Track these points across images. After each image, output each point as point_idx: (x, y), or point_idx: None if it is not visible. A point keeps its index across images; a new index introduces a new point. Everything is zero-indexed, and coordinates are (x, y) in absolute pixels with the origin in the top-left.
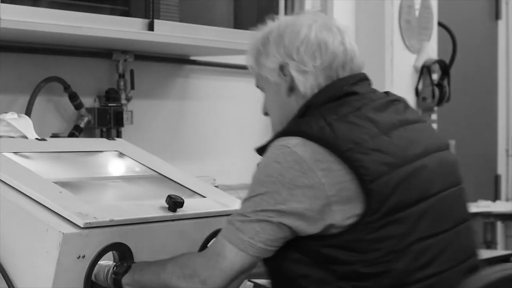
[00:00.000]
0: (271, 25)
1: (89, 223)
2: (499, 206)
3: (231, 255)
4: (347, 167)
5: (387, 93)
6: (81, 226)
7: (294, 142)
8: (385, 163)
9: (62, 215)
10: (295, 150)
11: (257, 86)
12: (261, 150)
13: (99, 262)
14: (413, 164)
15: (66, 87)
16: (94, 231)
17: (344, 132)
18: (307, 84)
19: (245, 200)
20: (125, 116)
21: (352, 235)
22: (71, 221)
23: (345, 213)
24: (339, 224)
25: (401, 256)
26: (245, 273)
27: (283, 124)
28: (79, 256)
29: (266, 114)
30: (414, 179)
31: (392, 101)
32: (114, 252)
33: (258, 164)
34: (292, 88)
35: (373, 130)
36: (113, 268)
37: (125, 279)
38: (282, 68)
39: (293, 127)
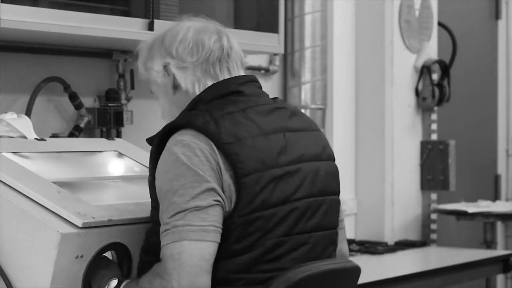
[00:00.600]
0: (156, 33)
1: (87, 223)
2: (499, 206)
3: (188, 249)
4: (226, 159)
5: (274, 99)
6: (79, 226)
7: (187, 136)
8: (260, 162)
9: (61, 215)
10: (192, 141)
11: (151, 92)
12: (151, 140)
13: (99, 270)
14: (285, 168)
15: (66, 87)
16: (92, 231)
17: (227, 128)
18: (187, 79)
19: (170, 203)
20: (125, 116)
21: (225, 226)
22: (70, 221)
23: (226, 204)
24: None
25: (256, 248)
26: (209, 261)
27: None
28: (77, 256)
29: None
30: (283, 181)
31: (278, 108)
32: (112, 251)
33: (157, 164)
34: (176, 86)
35: (255, 130)
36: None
37: None
38: (166, 68)
39: (182, 120)
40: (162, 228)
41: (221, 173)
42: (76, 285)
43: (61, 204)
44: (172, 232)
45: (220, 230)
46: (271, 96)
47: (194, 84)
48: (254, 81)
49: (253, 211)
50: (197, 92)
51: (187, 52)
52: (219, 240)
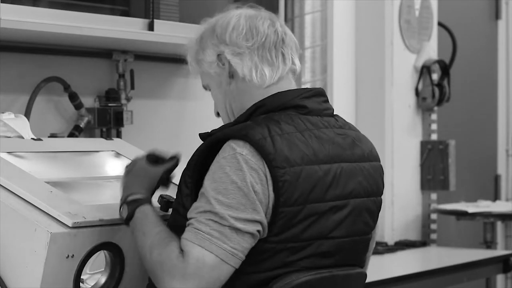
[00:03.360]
0: (203, 26)
1: (78, 222)
2: (499, 206)
3: (212, 263)
4: (272, 184)
5: (336, 118)
6: (70, 225)
7: (245, 151)
8: (305, 195)
9: (51, 214)
10: (249, 158)
11: (203, 86)
12: (205, 137)
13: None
14: (329, 203)
15: (66, 87)
16: (82, 230)
17: (283, 150)
18: (244, 65)
19: (210, 210)
20: (125, 116)
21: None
22: (60, 221)
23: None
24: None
25: (274, 270)
26: (222, 283)
27: (231, 116)
28: (68, 256)
29: (218, 114)
30: (324, 218)
31: (339, 134)
32: (105, 251)
33: (213, 164)
34: (231, 75)
35: (310, 157)
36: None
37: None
38: (220, 58)
39: (240, 131)
40: (194, 223)
41: (267, 196)
42: (67, 285)
43: (52, 203)
44: (204, 237)
45: (244, 259)
46: None
47: (251, 70)
48: (321, 94)
49: (281, 242)
50: (255, 79)
51: (241, 38)
52: (237, 267)
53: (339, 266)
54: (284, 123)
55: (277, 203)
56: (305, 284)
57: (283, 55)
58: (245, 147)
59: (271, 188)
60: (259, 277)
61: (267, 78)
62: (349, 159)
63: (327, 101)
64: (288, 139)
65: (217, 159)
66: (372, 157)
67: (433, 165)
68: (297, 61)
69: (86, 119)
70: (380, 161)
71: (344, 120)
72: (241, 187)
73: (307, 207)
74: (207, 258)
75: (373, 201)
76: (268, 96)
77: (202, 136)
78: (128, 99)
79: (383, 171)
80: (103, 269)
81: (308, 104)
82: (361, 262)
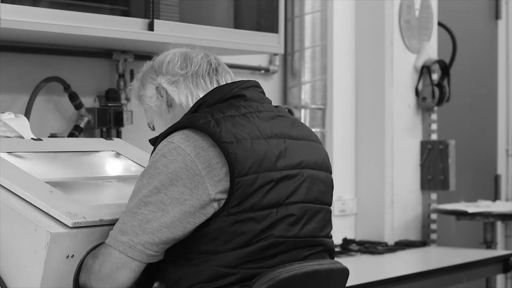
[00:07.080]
0: (145, 66)
1: (78, 222)
2: (499, 206)
3: (112, 258)
4: (224, 159)
5: (277, 107)
6: (70, 225)
7: (177, 138)
8: (257, 164)
9: (51, 214)
10: (179, 145)
11: (148, 124)
12: (154, 141)
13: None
14: (283, 172)
15: (66, 87)
16: (83, 230)
17: (227, 128)
18: (180, 92)
19: (132, 197)
20: (125, 116)
21: (213, 226)
22: (60, 221)
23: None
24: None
25: (249, 246)
26: (134, 273)
27: None
28: (68, 256)
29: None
30: (280, 185)
31: (279, 115)
32: None
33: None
34: (170, 103)
35: (255, 133)
36: None
37: None
38: (158, 90)
39: (182, 122)
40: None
41: (202, 181)
42: (67, 285)
43: (52, 204)
44: (114, 234)
45: (149, 253)
46: (270, 97)
47: (187, 96)
48: (257, 86)
49: (242, 212)
50: (191, 104)
51: (177, 67)
52: (144, 261)
53: (310, 238)
54: (226, 109)
55: (233, 174)
56: (288, 279)
57: (217, 81)
58: (179, 133)
59: (220, 164)
60: (243, 252)
61: None
62: (292, 136)
63: (263, 93)
64: (231, 120)
65: None
66: (315, 137)
67: (433, 165)
68: None
69: (86, 119)
70: (322, 144)
71: (284, 109)
72: (161, 171)
73: (261, 175)
74: (109, 250)
75: (325, 175)
76: (208, 93)
77: (152, 141)
78: (128, 99)
79: (326, 152)
80: None
81: (247, 93)
82: (329, 234)
